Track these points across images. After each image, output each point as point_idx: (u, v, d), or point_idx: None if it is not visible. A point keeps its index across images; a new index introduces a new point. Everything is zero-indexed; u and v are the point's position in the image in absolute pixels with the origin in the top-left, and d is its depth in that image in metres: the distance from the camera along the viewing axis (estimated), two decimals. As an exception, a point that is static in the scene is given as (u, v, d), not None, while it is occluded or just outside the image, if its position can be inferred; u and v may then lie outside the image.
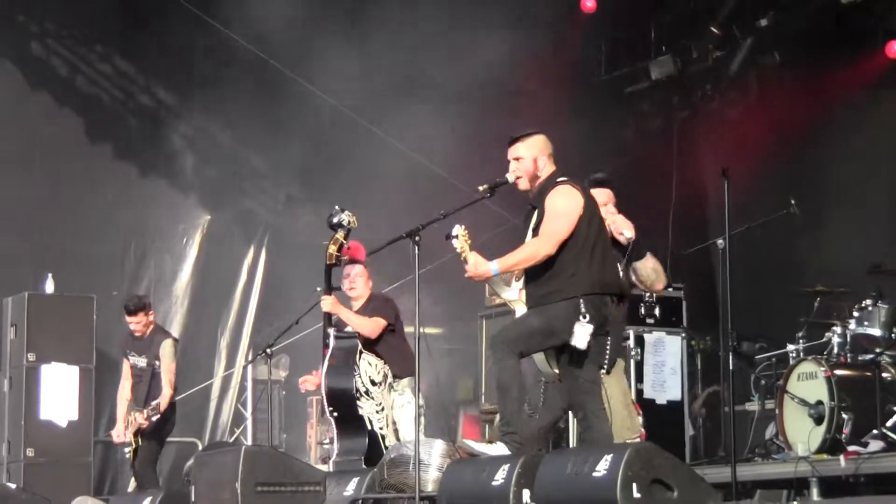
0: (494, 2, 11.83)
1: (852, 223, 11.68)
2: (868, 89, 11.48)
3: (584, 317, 7.09)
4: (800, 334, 9.82)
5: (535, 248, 7.24)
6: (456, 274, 8.97)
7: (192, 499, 8.57)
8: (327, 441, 9.36)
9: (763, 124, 12.14)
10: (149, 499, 9.13)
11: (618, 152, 12.42)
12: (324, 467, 9.65)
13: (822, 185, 12.01)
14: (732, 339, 8.17)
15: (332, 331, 9.32)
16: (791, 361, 9.55)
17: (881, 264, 9.34)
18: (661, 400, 10.39)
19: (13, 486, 11.37)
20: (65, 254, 12.98)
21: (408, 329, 9.57)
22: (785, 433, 9.07)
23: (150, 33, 13.26)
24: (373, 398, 9.26)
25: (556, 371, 7.36)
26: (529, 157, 7.44)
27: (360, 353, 9.29)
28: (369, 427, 9.21)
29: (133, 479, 10.74)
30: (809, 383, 9.02)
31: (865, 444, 8.46)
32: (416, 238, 7.46)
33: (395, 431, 9.31)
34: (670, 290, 10.84)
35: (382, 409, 9.28)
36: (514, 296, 7.48)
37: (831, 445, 8.65)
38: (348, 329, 9.53)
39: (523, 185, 7.47)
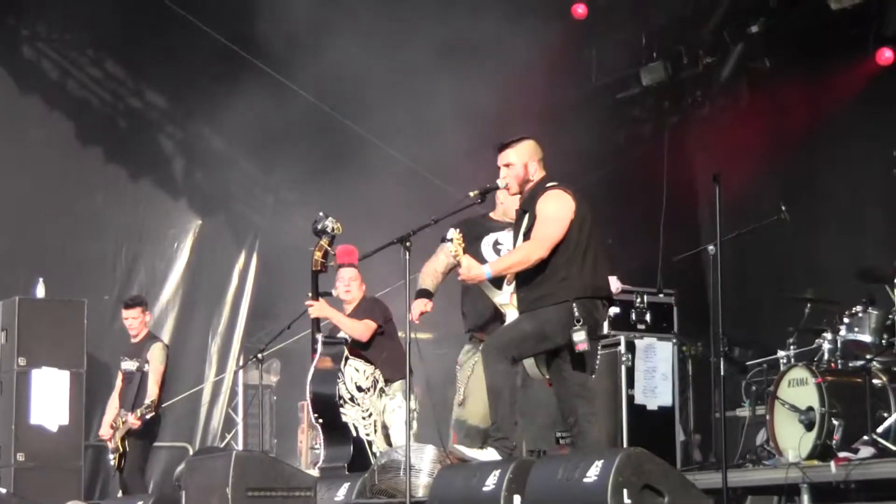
0: (485, 8, 11.83)
1: (843, 229, 11.70)
2: (858, 96, 11.49)
3: (578, 321, 7.10)
4: (790, 340, 9.82)
5: (527, 252, 7.25)
6: (447, 279, 9.00)
7: (183, 503, 8.56)
8: (318, 445, 9.36)
9: (754, 130, 12.15)
10: (139, 504, 9.12)
11: (609, 158, 12.43)
12: (313, 472, 9.65)
13: (813, 192, 12.03)
14: (723, 344, 8.17)
15: (319, 336, 9.33)
16: (782, 367, 9.55)
17: (869, 269, 9.35)
18: (651, 406, 10.39)
19: (3, 490, 11.35)
20: (56, 258, 12.98)
21: (399, 334, 9.59)
22: (776, 439, 9.07)
23: (140, 37, 13.26)
24: (359, 405, 9.26)
25: (546, 376, 7.38)
26: (520, 162, 7.45)
27: (346, 359, 9.29)
28: (354, 434, 9.21)
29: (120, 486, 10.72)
30: (800, 389, 9.02)
31: (856, 451, 8.46)
32: (408, 244, 7.46)
33: (386, 436, 9.30)
34: (661, 295, 10.85)
35: (370, 415, 9.27)
36: (506, 300, 7.49)
37: (822, 451, 8.65)
38: (340, 334, 9.53)
39: (513, 190, 7.49)
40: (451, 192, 10.50)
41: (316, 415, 9.25)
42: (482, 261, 7.69)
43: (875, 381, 8.89)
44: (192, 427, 13.36)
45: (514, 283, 7.44)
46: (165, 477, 12.64)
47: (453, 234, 7.33)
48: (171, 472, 12.19)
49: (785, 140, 11.83)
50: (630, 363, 10.30)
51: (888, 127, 11.03)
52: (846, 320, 9.24)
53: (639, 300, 10.56)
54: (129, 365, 10.72)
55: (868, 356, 9.08)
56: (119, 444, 10.50)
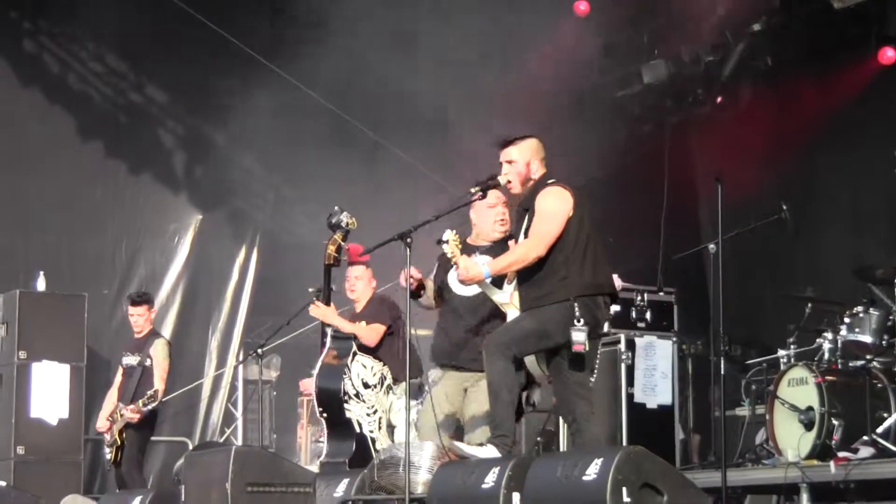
0: (486, 6, 11.82)
1: (844, 229, 11.70)
2: (860, 95, 11.49)
3: (579, 320, 7.10)
4: (791, 340, 9.82)
5: (526, 251, 7.25)
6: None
7: (182, 499, 8.57)
8: (322, 438, 9.35)
9: (755, 129, 12.14)
10: (139, 498, 9.12)
11: (610, 156, 12.42)
12: (313, 467, 9.65)
13: (814, 191, 12.02)
14: (723, 343, 8.17)
15: (329, 329, 9.30)
16: (782, 367, 9.55)
17: (869, 269, 9.34)
18: (651, 404, 10.39)
19: (3, 483, 11.34)
20: (56, 252, 12.98)
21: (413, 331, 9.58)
22: (775, 438, 9.07)
23: (141, 31, 13.25)
24: (364, 401, 9.24)
25: (546, 373, 7.38)
26: (522, 160, 7.45)
27: (354, 354, 9.28)
28: (358, 430, 9.19)
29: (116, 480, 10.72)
30: (800, 389, 9.02)
31: (855, 451, 8.47)
32: (408, 240, 7.46)
33: (391, 433, 9.28)
34: (661, 294, 10.85)
35: (375, 412, 9.25)
36: (506, 299, 7.49)
37: (821, 451, 8.66)
38: None
39: (515, 188, 7.49)
40: (452, 189, 10.51)
41: (321, 409, 9.24)
42: (449, 289, 7.77)
43: (875, 381, 8.89)
44: (192, 422, 13.37)
45: (514, 282, 7.44)
46: (165, 471, 12.65)
47: (449, 235, 7.33)
48: (170, 466, 12.20)
49: (786, 139, 11.83)
50: (630, 361, 10.30)
51: (890, 126, 11.02)
52: (847, 320, 9.24)
53: (639, 298, 10.56)
54: (130, 360, 10.72)
55: (868, 356, 9.09)
56: (116, 437, 10.50)
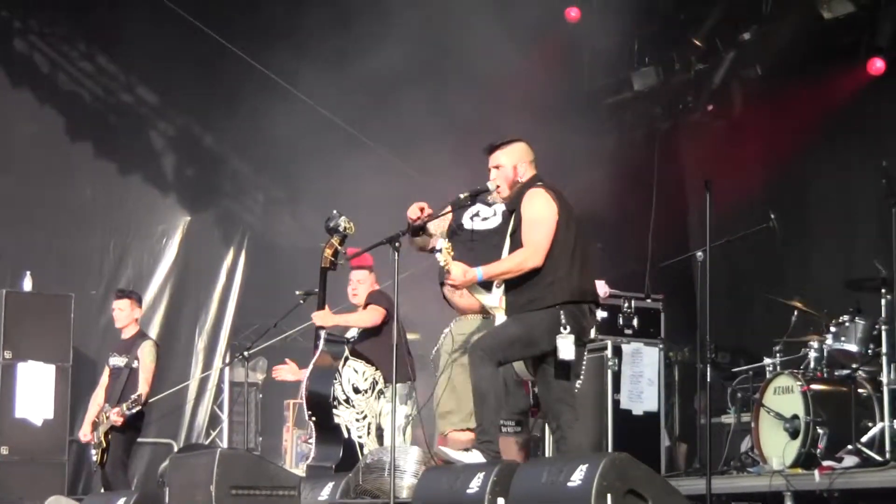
0: (477, 10, 11.83)
1: (834, 238, 11.72)
2: (850, 105, 11.51)
3: (565, 328, 7.09)
4: (777, 348, 9.84)
5: (522, 260, 7.22)
6: (435, 280, 8.98)
7: (166, 500, 8.55)
8: (310, 440, 9.33)
9: (745, 137, 12.17)
10: (122, 499, 9.09)
11: (599, 163, 12.43)
12: (301, 466, 9.62)
13: (803, 199, 12.04)
14: (710, 351, 8.18)
15: (323, 333, 9.29)
16: (768, 375, 9.57)
17: (856, 279, 9.37)
18: (637, 411, 10.38)
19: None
20: (44, 252, 12.95)
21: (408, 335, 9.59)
22: (760, 447, 9.09)
23: (132, 32, 13.22)
24: (354, 406, 9.22)
25: (533, 376, 7.39)
26: (509, 164, 7.44)
27: (346, 359, 9.26)
28: (346, 435, 9.18)
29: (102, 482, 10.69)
30: (785, 397, 9.03)
31: (840, 460, 8.48)
32: (397, 244, 7.46)
33: (380, 438, 9.25)
34: (649, 300, 10.85)
35: (364, 417, 9.24)
36: (495, 302, 7.47)
37: (806, 460, 8.67)
38: (346, 334, 9.50)
39: (504, 192, 7.48)
40: (441, 194, 10.50)
41: (310, 412, 9.23)
42: (464, 229, 7.77)
43: (860, 390, 8.91)
44: (177, 424, 13.35)
45: (503, 286, 7.43)
46: (149, 473, 12.62)
47: (443, 244, 7.32)
48: (155, 468, 12.17)
49: (776, 148, 11.84)
50: (616, 368, 10.29)
51: (878, 136, 11.05)
52: (833, 329, 9.26)
53: (626, 305, 10.56)
54: (117, 361, 10.69)
55: (854, 365, 9.11)
56: (102, 438, 10.47)
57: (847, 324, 9.17)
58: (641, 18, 12.41)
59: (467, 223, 8.11)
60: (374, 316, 9.43)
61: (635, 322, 10.63)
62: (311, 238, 9.58)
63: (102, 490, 10.58)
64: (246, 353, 11.57)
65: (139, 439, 11.20)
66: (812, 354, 9.34)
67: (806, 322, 9.86)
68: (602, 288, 10.06)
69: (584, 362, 7.49)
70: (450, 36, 11.92)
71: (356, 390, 9.21)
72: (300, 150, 12.96)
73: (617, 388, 10.29)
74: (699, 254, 9.27)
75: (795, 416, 8.86)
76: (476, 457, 7.15)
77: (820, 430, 8.77)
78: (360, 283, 9.74)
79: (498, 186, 7.46)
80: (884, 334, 8.72)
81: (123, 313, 10.79)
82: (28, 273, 12.53)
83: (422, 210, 7.94)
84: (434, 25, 11.87)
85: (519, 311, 7.27)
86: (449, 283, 7.38)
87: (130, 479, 11.19)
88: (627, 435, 10.09)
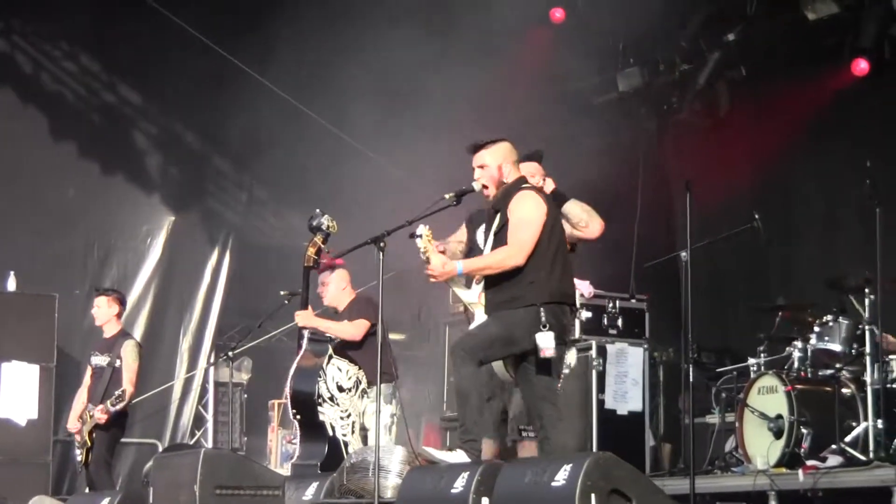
0: (462, 12, 11.83)
1: (818, 238, 11.75)
2: (834, 106, 11.54)
3: (545, 326, 7.10)
4: (761, 348, 9.86)
5: (504, 257, 7.23)
6: (419, 280, 8.96)
7: (151, 500, 8.53)
8: (294, 439, 9.33)
9: (730, 138, 12.19)
10: (107, 500, 9.07)
11: (584, 163, 12.42)
12: (286, 466, 9.62)
13: (788, 200, 12.07)
14: (694, 351, 8.19)
15: (306, 332, 9.29)
16: (752, 375, 9.58)
17: (840, 279, 9.38)
18: (622, 410, 10.40)
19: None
20: (27, 252, 12.89)
21: (391, 336, 9.58)
22: (744, 446, 9.10)
23: (115, 31, 13.20)
24: (338, 404, 9.23)
25: (513, 376, 7.39)
26: (494, 164, 7.44)
27: (330, 357, 9.26)
28: (331, 433, 9.18)
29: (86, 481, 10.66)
30: (770, 397, 9.05)
31: (824, 459, 8.49)
32: (382, 244, 7.45)
33: (364, 438, 9.26)
34: (633, 301, 10.86)
35: (349, 415, 9.24)
36: (474, 298, 7.47)
37: (790, 459, 8.68)
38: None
39: (490, 193, 7.48)
40: (426, 194, 10.49)
41: (294, 411, 9.23)
42: (479, 248, 7.70)
43: (844, 390, 8.93)
44: (162, 424, 13.31)
45: (482, 283, 7.42)
46: (134, 473, 12.60)
47: (422, 230, 7.31)
48: (139, 468, 12.16)
49: (761, 148, 11.87)
50: (601, 368, 10.31)
51: (863, 137, 11.08)
52: (817, 329, 9.28)
53: (611, 305, 10.58)
54: (99, 360, 10.66)
55: (838, 365, 9.13)
56: (86, 438, 10.44)
57: (831, 324, 9.19)
58: (626, 19, 12.42)
59: (480, 239, 7.97)
60: (356, 332, 9.44)
61: (620, 322, 10.65)
62: (295, 237, 9.58)
63: (87, 490, 10.55)
64: (231, 353, 11.57)
65: (124, 439, 11.19)
66: (796, 354, 9.36)
67: (790, 322, 9.87)
68: (587, 288, 10.08)
69: (572, 362, 7.46)
70: (433, 36, 11.92)
71: (340, 388, 9.22)
72: (284, 149, 12.95)
73: (602, 388, 10.31)
74: (683, 254, 9.29)
75: (779, 416, 8.88)
76: (460, 456, 7.15)
77: (804, 430, 8.79)
78: (325, 286, 9.79)
79: (484, 186, 7.46)
80: (867, 334, 8.73)
81: (102, 311, 10.77)
82: (11, 273, 12.48)
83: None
84: (417, 24, 11.87)
85: (499, 309, 7.28)
86: (427, 274, 7.33)
87: (115, 480, 11.17)
88: (612, 435, 10.11)
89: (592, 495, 6.21)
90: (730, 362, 10.48)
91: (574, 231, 7.95)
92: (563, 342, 7.29)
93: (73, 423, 10.64)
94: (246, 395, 13.47)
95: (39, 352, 12.19)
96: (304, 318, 9.24)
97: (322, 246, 9.12)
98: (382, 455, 7.57)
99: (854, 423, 8.76)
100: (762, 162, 11.87)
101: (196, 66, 13.07)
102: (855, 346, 9.06)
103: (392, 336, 9.59)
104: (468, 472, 6.79)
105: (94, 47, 13.42)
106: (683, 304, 9.19)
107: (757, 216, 9.65)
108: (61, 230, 13.19)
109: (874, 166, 8.74)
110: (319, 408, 9.17)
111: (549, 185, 7.96)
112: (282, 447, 11.80)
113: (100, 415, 10.31)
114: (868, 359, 8.68)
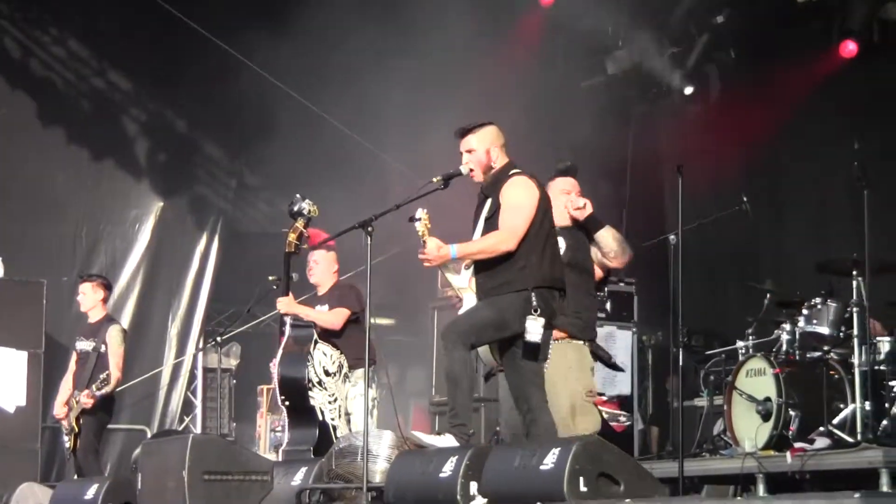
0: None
1: (807, 221, 11.76)
2: (822, 88, 11.55)
3: (536, 310, 7.10)
4: (749, 331, 9.87)
5: (496, 242, 7.22)
6: (408, 265, 8.96)
7: (139, 486, 8.51)
8: (279, 429, 9.32)
9: (719, 120, 12.20)
10: (95, 486, 9.05)
11: (574, 146, 12.43)
12: (274, 456, 9.61)
13: (777, 182, 12.08)
14: (683, 334, 8.19)
15: (288, 318, 9.28)
16: (740, 358, 9.59)
17: (828, 262, 9.39)
18: (610, 394, 10.41)
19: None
20: (15, 238, 12.87)
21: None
22: (733, 429, 9.11)
23: (104, 17, 13.15)
24: (326, 388, 9.23)
25: (499, 361, 7.39)
26: (482, 148, 7.42)
27: (316, 342, 9.26)
28: (320, 418, 9.18)
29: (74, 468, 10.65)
30: (758, 380, 9.06)
31: (812, 441, 8.51)
32: (370, 228, 7.43)
33: (349, 423, 9.28)
34: (622, 284, 10.86)
35: (335, 399, 9.25)
36: (464, 283, 7.47)
37: (778, 442, 8.70)
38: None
39: (477, 176, 7.46)
40: (414, 178, 10.49)
41: (283, 397, 9.21)
42: None
43: (832, 372, 8.94)
44: (151, 410, 13.30)
45: (472, 268, 7.42)
46: (123, 460, 12.58)
47: (421, 213, 7.30)
48: (128, 454, 12.13)
49: (750, 131, 11.88)
50: (590, 351, 10.28)
51: (852, 118, 11.09)
52: (805, 312, 9.29)
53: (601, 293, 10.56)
54: (84, 345, 10.64)
55: (826, 348, 9.14)
56: (74, 424, 10.43)
57: (819, 306, 9.19)
58: (615, 2, 12.41)
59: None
60: (336, 320, 9.42)
61: (609, 306, 10.66)
62: (283, 224, 9.54)
63: (75, 477, 10.54)
64: (219, 339, 11.54)
65: (112, 425, 11.17)
66: (784, 337, 9.37)
67: (778, 305, 9.88)
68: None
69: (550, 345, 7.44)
70: (423, 19, 11.89)
71: (326, 372, 9.23)
72: (273, 136, 12.92)
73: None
74: (672, 237, 9.28)
75: (768, 399, 8.89)
76: (449, 441, 7.15)
77: (792, 413, 8.80)
78: (318, 264, 9.74)
79: (472, 170, 7.45)
80: (855, 317, 8.74)
81: (87, 297, 10.75)
82: (0, 259, 12.45)
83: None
84: (408, 9, 11.84)
85: (490, 294, 7.27)
86: (422, 258, 7.32)
87: (103, 466, 11.15)
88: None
89: (581, 479, 6.22)
90: (718, 345, 10.49)
91: (602, 259, 7.93)
92: (550, 326, 7.28)
93: (59, 409, 10.62)
94: (235, 381, 13.46)
95: (28, 338, 12.16)
96: (286, 304, 9.23)
97: (304, 231, 9.10)
98: (371, 440, 7.57)
99: (842, 406, 8.77)
100: (751, 144, 11.88)
101: (186, 52, 13.03)
102: (843, 328, 9.07)
103: (379, 321, 9.57)
104: (457, 457, 6.80)
105: (84, 33, 13.38)
106: (673, 287, 9.20)
107: (745, 198, 9.65)
108: (50, 216, 13.16)
109: (862, 148, 8.74)
110: (310, 392, 9.16)
111: (588, 209, 7.85)
112: (270, 433, 11.79)
113: (85, 400, 10.29)
114: (856, 341, 8.69)
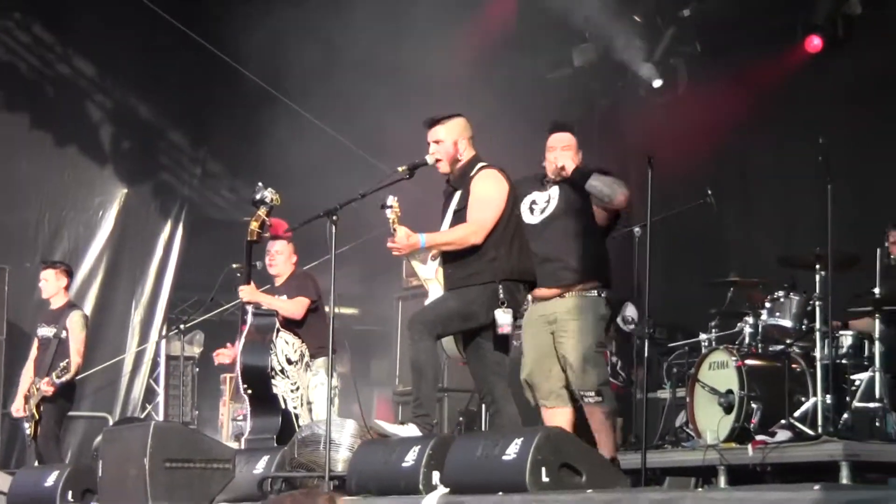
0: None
1: (772, 214, 11.80)
2: (787, 82, 11.59)
3: (503, 303, 7.11)
4: (713, 323, 9.90)
5: (464, 235, 7.23)
6: (372, 254, 8.94)
7: (100, 474, 8.47)
8: (241, 417, 9.30)
9: (684, 114, 12.21)
10: (55, 473, 9.00)
11: (539, 139, 12.42)
12: (236, 444, 9.59)
13: (743, 176, 12.12)
14: (648, 326, 8.21)
15: (250, 307, 9.27)
16: (703, 350, 9.63)
17: (791, 255, 9.43)
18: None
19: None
20: (-23, 224, 12.79)
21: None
22: (695, 421, 9.14)
23: (69, 2, 13.07)
24: (288, 377, 9.22)
25: (462, 353, 7.39)
26: (449, 139, 7.43)
27: (278, 331, 9.25)
28: (283, 406, 9.17)
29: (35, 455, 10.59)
30: (720, 372, 9.08)
31: (773, 434, 8.54)
32: (334, 217, 7.42)
33: (310, 411, 9.28)
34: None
35: (297, 388, 9.24)
36: (430, 274, 7.46)
37: (740, 434, 8.73)
38: None
39: (443, 167, 7.46)
40: (380, 167, 10.47)
41: (245, 385, 9.19)
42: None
43: (794, 365, 8.98)
44: (113, 397, 13.26)
45: (439, 259, 7.42)
46: (84, 447, 12.54)
47: (392, 201, 7.29)
48: (89, 442, 12.09)
49: (715, 124, 11.90)
50: (553, 342, 10.28)
51: (816, 113, 11.13)
52: (768, 305, 9.32)
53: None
54: (46, 331, 10.58)
55: (788, 341, 9.18)
56: (34, 411, 10.37)
57: (781, 299, 9.23)
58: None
59: (528, 217, 7.79)
60: (297, 309, 9.47)
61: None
62: (248, 212, 9.51)
63: (36, 464, 10.48)
64: (182, 327, 11.53)
65: (74, 413, 11.11)
66: (747, 330, 9.41)
67: (742, 297, 9.92)
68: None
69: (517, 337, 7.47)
70: (392, 8, 11.87)
71: (289, 361, 9.22)
72: (238, 124, 12.88)
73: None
74: (636, 229, 9.32)
75: (730, 391, 8.91)
76: (412, 430, 7.15)
77: (754, 405, 8.83)
78: (279, 254, 9.76)
79: (438, 160, 7.44)
80: (818, 310, 8.78)
81: (49, 284, 10.70)
82: (-39, 245, 12.39)
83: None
84: (375, 2, 11.82)
85: (458, 285, 7.28)
86: (391, 246, 7.30)
87: (64, 453, 11.09)
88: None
89: (543, 469, 6.23)
90: (681, 337, 10.52)
91: (602, 208, 7.89)
92: (515, 318, 7.29)
93: (18, 404, 10.55)
94: (197, 369, 13.43)
95: (-12, 325, 12.10)
96: (248, 293, 9.22)
97: (266, 219, 9.08)
98: (333, 429, 7.56)
99: (803, 399, 8.81)
100: (717, 138, 11.91)
101: (151, 39, 12.99)
102: (805, 321, 9.11)
103: (344, 310, 9.56)
104: (419, 446, 6.79)
105: (48, 18, 13.29)
106: (638, 279, 9.21)
107: (710, 192, 9.67)
108: (13, 202, 13.10)
109: (827, 143, 8.77)
110: (272, 380, 9.15)
111: (569, 168, 7.80)
112: (232, 421, 11.77)
113: (45, 387, 10.24)
114: (818, 334, 8.73)
